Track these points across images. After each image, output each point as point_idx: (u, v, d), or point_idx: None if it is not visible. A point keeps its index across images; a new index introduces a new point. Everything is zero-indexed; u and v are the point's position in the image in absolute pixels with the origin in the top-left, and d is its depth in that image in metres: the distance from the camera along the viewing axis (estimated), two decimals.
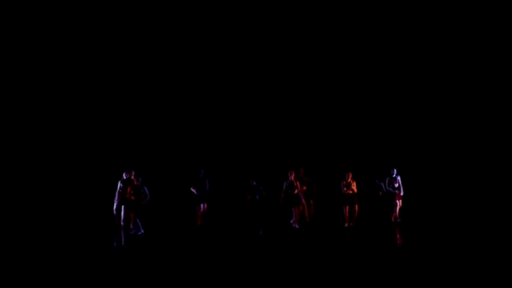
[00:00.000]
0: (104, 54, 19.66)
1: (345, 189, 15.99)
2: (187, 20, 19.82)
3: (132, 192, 15.00)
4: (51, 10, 19.14)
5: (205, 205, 16.44)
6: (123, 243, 14.21)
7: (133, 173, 15.23)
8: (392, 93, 20.18)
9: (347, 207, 16.00)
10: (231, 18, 19.82)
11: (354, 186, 16.03)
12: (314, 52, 20.26)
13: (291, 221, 15.89)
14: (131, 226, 15.11)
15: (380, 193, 16.50)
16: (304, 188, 16.28)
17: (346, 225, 15.94)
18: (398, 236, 14.85)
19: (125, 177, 15.30)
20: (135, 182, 15.08)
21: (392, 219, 16.36)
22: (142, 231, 15.02)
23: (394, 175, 16.38)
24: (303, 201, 16.09)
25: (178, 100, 20.21)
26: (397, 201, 16.38)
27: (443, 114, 20.06)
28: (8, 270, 10.81)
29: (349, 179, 16.04)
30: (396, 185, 16.36)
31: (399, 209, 16.47)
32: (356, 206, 16.06)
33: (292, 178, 15.69)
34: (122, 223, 15.16)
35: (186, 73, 20.26)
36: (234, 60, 20.20)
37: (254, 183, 16.21)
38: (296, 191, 15.71)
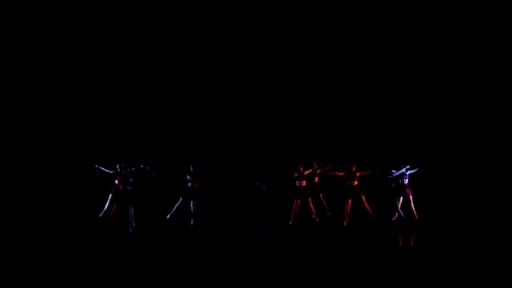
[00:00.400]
0: (98, 51, 19.59)
1: (336, 172, 15.87)
2: (187, 20, 19.74)
3: (120, 181, 15.34)
4: (51, 10, 19.11)
5: (195, 204, 16.19)
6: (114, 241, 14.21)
7: (123, 165, 15.62)
8: (402, 90, 19.98)
9: (350, 200, 15.85)
10: (232, 18, 19.73)
11: (360, 173, 15.84)
12: (318, 49, 20.09)
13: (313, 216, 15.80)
14: (133, 224, 15.31)
15: (393, 185, 16.08)
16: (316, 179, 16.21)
17: (345, 223, 15.83)
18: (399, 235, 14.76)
19: (119, 170, 15.50)
20: (123, 171, 15.42)
21: (396, 217, 16.03)
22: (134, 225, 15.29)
23: (404, 171, 16.07)
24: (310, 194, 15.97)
25: (180, 95, 20.12)
26: (400, 198, 16.05)
27: (452, 112, 19.88)
28: (7, 270, 10.79)
29: (353, 170, 15.90)
30: (406, 181, 16.09)
31: (407, 206, 16.08)
32: (363, 197, 15.83)
33: (301, 169, 15.63)
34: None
35: (185, 69, 20.16)
36: (234, 58, 20.09)
37: (256, 182, 16.13)
38: (304, 183, 15.60)
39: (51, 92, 19.64)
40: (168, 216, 16.06)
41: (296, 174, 15.63)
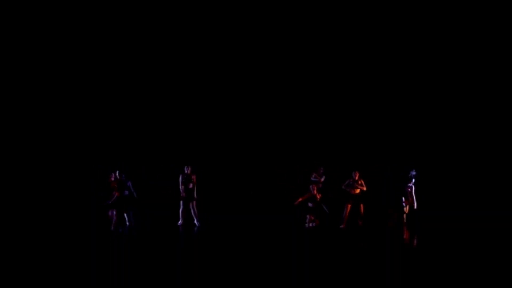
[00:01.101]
0: (95, 52, 19.65)
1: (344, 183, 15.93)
2: (187, 20, 19.77)
3: (116, 187, 15.32)
4: (51, 10, 19.18)
5: (193, 204, 16.10)
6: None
7: (117, 172, 15.56)
8: (406, 93, 19.98)
9: (350, 205, 15.80)
10: (233, 18, 19.75)
11: (363, 184, 15.86)
12: (314, 52, 20.11)
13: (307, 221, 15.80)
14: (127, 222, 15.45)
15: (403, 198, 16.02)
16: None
17: (342, 226, 15.83)
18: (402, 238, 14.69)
19: (118, 177, 15.47)
20: (119, 178, 15.42)
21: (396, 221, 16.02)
22: (128, 224, 15.43)
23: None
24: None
25: (186, 99, 20.18)
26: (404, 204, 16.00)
27: (457, 115, 19.90)
28: (6, 270, 10.83)
29: (356, 178, 15.86)
30: (409, 190, 16.06)
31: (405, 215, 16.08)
32: (362, 206, 15.85)
33: (315, 192, 15.64)
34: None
35: (184, 70, 20.21)
36: (231, 61, 20.13)
37: None
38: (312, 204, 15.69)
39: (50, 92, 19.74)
40: (179, 223, 16.06)
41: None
